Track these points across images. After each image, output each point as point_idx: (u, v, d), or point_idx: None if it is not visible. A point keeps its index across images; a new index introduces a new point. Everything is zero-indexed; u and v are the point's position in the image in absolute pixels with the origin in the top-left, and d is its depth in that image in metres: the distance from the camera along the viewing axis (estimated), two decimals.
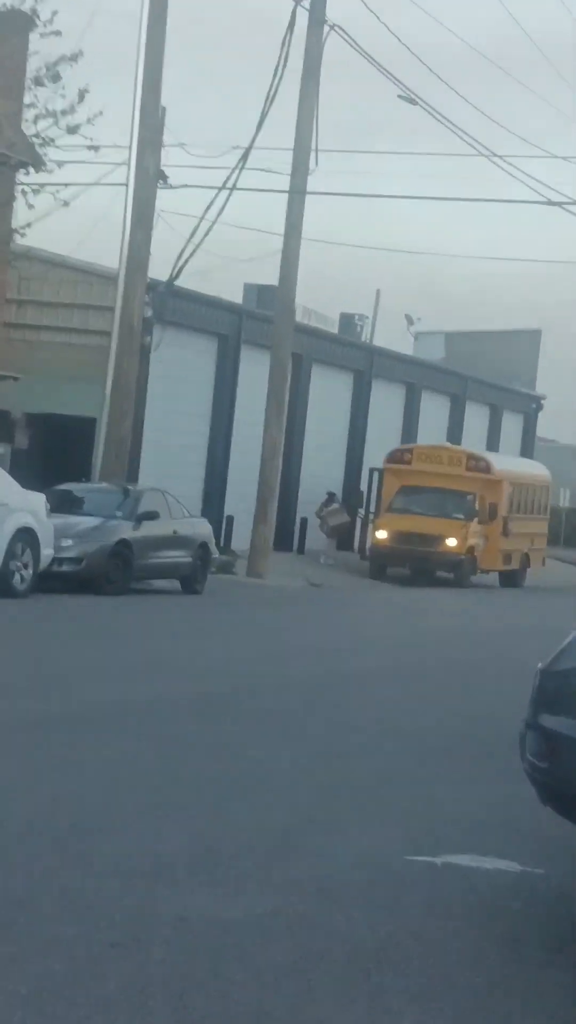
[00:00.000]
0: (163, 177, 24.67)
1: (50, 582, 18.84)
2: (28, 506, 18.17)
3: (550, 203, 28.21)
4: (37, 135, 25.55)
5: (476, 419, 44.84)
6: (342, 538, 34.97)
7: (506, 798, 7.29)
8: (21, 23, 25.25)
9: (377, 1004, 4.38)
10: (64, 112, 25.39)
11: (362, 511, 35.70)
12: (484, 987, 4.62)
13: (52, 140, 25.58)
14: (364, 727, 9.84)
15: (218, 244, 26.60)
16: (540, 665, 5.10)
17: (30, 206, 25.93)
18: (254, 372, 31.20)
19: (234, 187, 25.47)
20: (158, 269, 25.90)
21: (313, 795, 7.34)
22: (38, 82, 25.36)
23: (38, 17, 25.20)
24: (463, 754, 8.97)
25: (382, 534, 32.32)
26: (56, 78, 25.31)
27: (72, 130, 25.32)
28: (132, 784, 7.28)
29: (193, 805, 6.87)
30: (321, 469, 36.54)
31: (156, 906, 5.14)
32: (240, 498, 30.76)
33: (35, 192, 25.86)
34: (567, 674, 4.95)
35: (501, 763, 7.87)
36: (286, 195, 27.24)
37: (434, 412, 42.53)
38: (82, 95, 25.38)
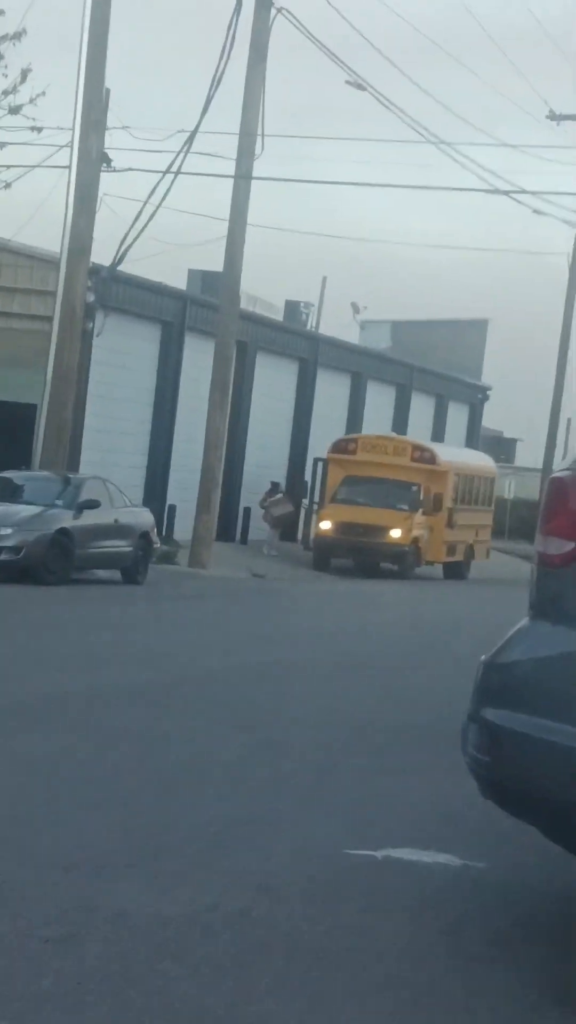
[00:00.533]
0: (107, 160, 24.48)
1: None
2: None
3: (497, 191, 28.32)
4: None
5: (422, 409, 44.99)
6: (286, 529, 34.95)
7: (448, 791, 7.27)
8: None
9: (316, 1000, 4.34)
10: (6, 92, 25.16)
11: (306, 501, 35.70)
12: (424, 982, 4.58)
13: None
14: (306, 719, 9.80)
15: (162, 229, 26.46)
16: (483, 658, 5.06)
17: None
18: (198, 359, 31.08)
19: (179, 171, 25.36)
20: (101, 254, 25.75)
21: (254, 788, 7.28)
22: None
23: None
24: (405, 747, 8.95)
25: (326, 525, 32.33)
26: None
27: (14, 110, 25.09)
28: (70, 777, 7.20)
29: (132, 798, 6.79)
30: (265, 458, 36.50)
31: (94, 901, 5.07)
32: (183, 487, 30.66)
33: None
34: (510, 667, 4.91)
35: (444, 756, 7.84)
36: (232, 180, 27.13)
37: (379, 402, 42.62)
38: (24, 75, 25.16)
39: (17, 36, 25.10)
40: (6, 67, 25.18)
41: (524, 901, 5.69)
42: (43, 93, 25.02)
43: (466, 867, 6.01)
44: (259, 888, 5.39)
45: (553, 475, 5.02)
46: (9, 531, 19.49)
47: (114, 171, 24.74)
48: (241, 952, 4.70)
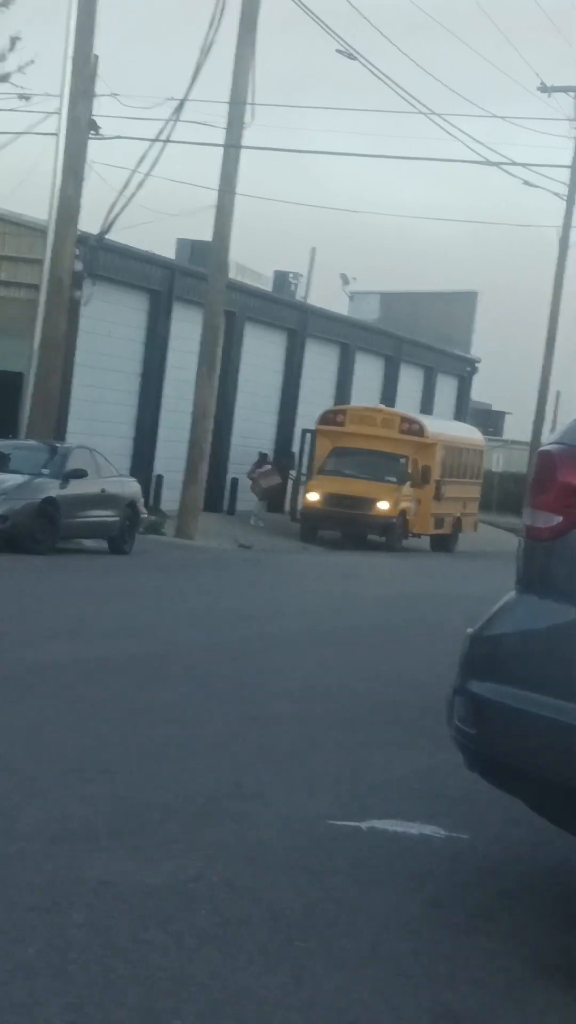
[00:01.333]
0: (95, 127, 24.34)
1: None
2: None
3: (488, 163, 28.21)
4: None
5: (410, 381, 44.94)
6: (273, 500, 34.93)
7: (434, 764, 7.28)
8: None
9: (299, 971, 4.34)
10: None
11: (294, 473, 35.67)
12: (408, 954, 4.59)
13: None
14: (293, 692, 9.80)
15: (151, 197, 26.33)
16: (469, 630, 5.06)
17: None
18: (186, 329, 30.98)
19: (168, 139, 25.22)
20: (89, 222, 25.63)
21: (240, 760, 7.28)
22: None
23: None
24: (392, 719, 8.95)
25: (313, 496, 32.31)
26: None
27: (2, 78, 24.93)
28: (55, 747, 7.19)
29: (118, 769, 6.79)
30: (253, 429, 36.44)
31: (78, 871, 5.07)
32: (170, 457, 30.62)
33: None
34: (497, 639, 4.91)
35: (430, 729, 7.86)
36: (221, 149, 26.99)
37: (368, 373, 42.55)
38: (13, 43, 25.00)
39: (5, 3, 24.92)
40: None
41: (508, 873, 5.70)
42: (31, 62, 24.89)
43: (451, 839, 6.02)
44: (244, 859, 5.40)
45: (541, 448, 5.01)
46: None
47: (102, 139, 24.62)
48: (225, 922, 4.70)
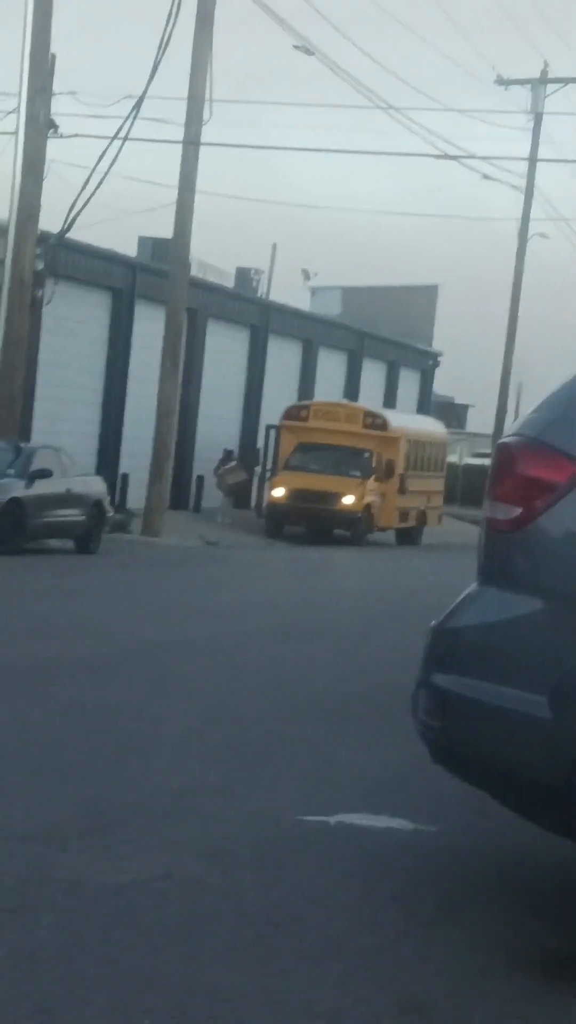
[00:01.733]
0: (53, 126, 24.24)
1: None
2: None
3: (446, 156, 28.27)
4: None
5: (373, 375, 45.01)
6: (239, 496, 34.92)
7: (400, 757, 7.31)
8: None
9: (267, 966, 4.36)
10: None
11: (259, 469, 35.67)
12: (374, 947, 4.61)
13: None
14: (258, 688, 9.81)
15: (111, 196, 26.26)
16: (432, 623, 5.08)
17: None
18: (149, 327, 30.93)
19: (127, 137, 25.13)
20: (49, 221, 25.53)
21: (205, 757, 7.29)
22: None
23: None
24: (358, 714, 8.98)
25: (279, 492, 32.33)
26: None
27: None
28: (19, 747, 7.18)
29: (83, 768, 6.78)
30: (217, 426, 36.41)
31: (45, 871, 5.07)
32: (135, 456, 30.56)
33: None
34: (459, 632, 4.94)
35: (396, 723, 7.88)
36: (180, 146, 26.95)
37: (331, 368, 42.59)
38: None
39: None
40: None
41: (474, 865, 5.73)
42: None
43: (417, 832, 6.05)
44: (211, 856, 5.41)
45: (500, 440, 5.04)
46: None
47: (61, 137, 24.52)
48: (193, 920, 4.71)
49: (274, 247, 47.08)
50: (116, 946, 4.41)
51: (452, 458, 44.10)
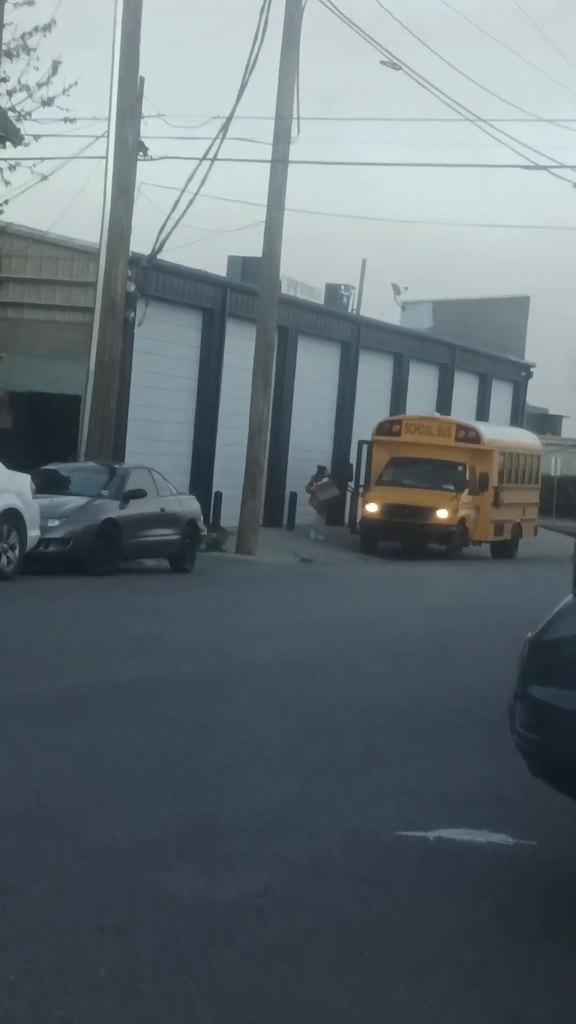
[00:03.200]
0: (143, 149, 24.48)
1: (37, 564, 18.79)
2: (13, 487, 18.09)
3: (536, 167, 28.08)
4: (12, 108, 25.34)
5: (465, 388, 44.78)
6: (332, 512, 34.91)
7: (498, 771, 7.25)
8: None
9: (369, 982, 4.34)
10: (39, 84, 25.23)
11: (352, 484, 35.64)
12: (477, 962, 4.58)
13: (28, 114, 25.41)
14: (356, 704, 9.79)
15: (201, 216, 26.45)
16: (529, 635, 5.05)
17: (7, 182, 25.81)
18: (240, 345, 31.06)
19: (215, 158, 25.30)
20: (140, 243, 25.78)
21: (304, 773, 7.29)
22: (10, 54, 25.13)
23: None
24: (455, 728, 8.93)
25: (372, 507, 32.27)
26: (27, 49, 25.12)
27: (47, 102, 25.15)
28: (121, 765, 7.23)
29: (183, 786, 6.82)
30: (309, 443, 36.45)
31: (147, 888, 5.10)
32: (228, 474, 30.67)
33: (12, 168, 25.70)
34: (556, 644, 4.90)
35: (493, 736, 7.82)
36: (268, 165, 27.08)
37: (422, 382, 42.45)
38: (55, 66, 25.23)
39: (48, 28, 25.16)
40: (38, 59, 25.29)
41: None
42: (75, 83, 25.09)
43: (518, 846, 6.00)
44: (310, 872, 5.40)
45: None
46: (57, 523, 19.59)
47: (150, 159, 24.75)
48: (293, 936, 4.71)
49: (364, 263, 47.09)
50: (217, 963, 4.42)
51: (548, 469, 43.72)
